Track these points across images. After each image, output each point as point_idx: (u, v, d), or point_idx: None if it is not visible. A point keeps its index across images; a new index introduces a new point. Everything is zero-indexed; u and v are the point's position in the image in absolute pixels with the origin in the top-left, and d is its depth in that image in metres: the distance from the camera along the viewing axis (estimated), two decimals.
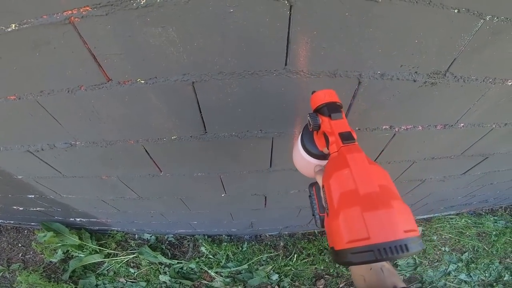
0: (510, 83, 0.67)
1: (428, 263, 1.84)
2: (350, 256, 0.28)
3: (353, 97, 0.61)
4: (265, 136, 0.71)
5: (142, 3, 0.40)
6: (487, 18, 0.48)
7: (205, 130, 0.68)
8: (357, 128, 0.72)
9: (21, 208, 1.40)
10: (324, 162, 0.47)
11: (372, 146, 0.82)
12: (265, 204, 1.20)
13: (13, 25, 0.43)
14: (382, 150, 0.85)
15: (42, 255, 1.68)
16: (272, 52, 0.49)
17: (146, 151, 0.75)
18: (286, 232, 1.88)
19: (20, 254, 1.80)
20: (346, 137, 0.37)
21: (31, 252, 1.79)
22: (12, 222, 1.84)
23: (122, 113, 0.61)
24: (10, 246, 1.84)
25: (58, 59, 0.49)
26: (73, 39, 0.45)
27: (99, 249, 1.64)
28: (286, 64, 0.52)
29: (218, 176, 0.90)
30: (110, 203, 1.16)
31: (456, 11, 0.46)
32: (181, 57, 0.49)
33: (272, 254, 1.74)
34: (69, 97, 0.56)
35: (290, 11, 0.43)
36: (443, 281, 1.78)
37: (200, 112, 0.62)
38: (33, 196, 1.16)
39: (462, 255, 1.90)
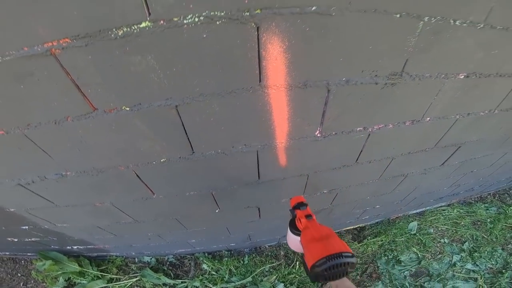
0: (462, 77, 0.71)
1: (431, 256, 1.82)
2: (316, 267, 0.49)
3: (325, 104, 0.64)
4: (249, 150, 0.72)
5: (120, 33, 0.42)
6: (426, 19, 0.52)
7: (193, 150, 0.69)
8: (333, 133, 0.75)
9: (16, 240, 1.34)
10: None
11: (351, 148, 0.85)
12: (260, 215, 1.19)
13: None
14: (361, 151, 0.87)
15: (44, 284, 1.59)
16: (247, 70, 0.52)
17: (137, 175, 0.75)
18: (285, 241, 1.84)
19: (21, 284, 1.71)
20: (307, 216, 0.66)
21: (31, 281, 1.70)
22: (8, 253, 1.75)
23: (110, 140, 0.62)
24: (9, 276, 1.75)
25: (42, 90, 0.49)
26: (55, 70, 0.46)
27: (101, 274, 1.57)
28: (260, 81, 0.54)
29: (210, 193, 0.89)
30: (106, 229, 1.13)
31: (398, 16, 0.50)
32: (162, 82, 0.50)
33: (274, 264, 1.69)
34: (56, 128, 0.56)
35: (258, 31, 0.46)
36: (450, 272, 1.75)
37: (186, 134, 0.63)
38: (27, 227, 1.12)
39: (462, 245, 1.89)
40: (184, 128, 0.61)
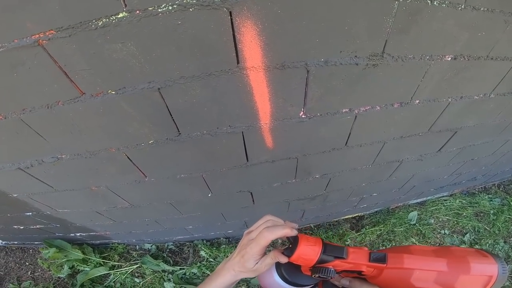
0: (449, 59, 0.72)
1: None
2: None
3: (306, 85, 0.67)
4: (234, 131, 0.76)
5: (100, 24, 0.46)
6: (401, 0, 0.54)
7: (179, 131, 0.74)
8: (318, 114, 0.78)
9: (21, 227, 1.44)
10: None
11: (339, 131, 0.88)
12: (253, 201, 1.25)
13: None
14: (350, 134, 0.90)
15: (50, 272, 1.72)
16: (223, 53, 0.55)
17: (128, 157, 0.81)
18: None
19: (29, 272, 1.84)
20: (380, 259, 0.39)
21: (39, 270, 1.83)
22: (16, 242, 1.88)
23: (100, 123, 0.67)
24: (17, 265, 1.88)
25: (34, 78, 0.54)
26: (44, 59, 0.51)
27: (103, 261, 1.68)
28: (238, 63, 0.58)
29: (200, 176, 0.95)
30: (104, 214, 1.21)
31: None
32: (144, 67, 0.54)
33: (270, 249, 1.75)
34: (49, 112, 0.62)
35: (231, 16, 0.49)
36: None
37: (171, 115, 0.68)
38: (30, 213, 1.21)
39: (463, 236, 1.89)
40: (168, 109, 0.66)
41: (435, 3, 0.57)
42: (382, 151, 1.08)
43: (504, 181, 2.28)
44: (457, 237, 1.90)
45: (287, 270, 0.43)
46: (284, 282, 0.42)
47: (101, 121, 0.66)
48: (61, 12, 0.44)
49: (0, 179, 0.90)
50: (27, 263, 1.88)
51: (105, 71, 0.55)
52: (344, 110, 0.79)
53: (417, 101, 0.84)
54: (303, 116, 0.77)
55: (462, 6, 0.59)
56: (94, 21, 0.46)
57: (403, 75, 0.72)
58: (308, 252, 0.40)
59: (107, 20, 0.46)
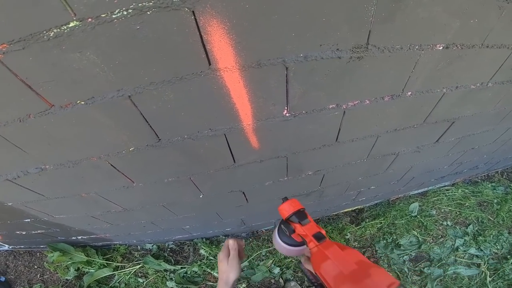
0: (440, 48, 0.67)
1: (432, 239, 1.77)
2: None
3: (286, 82, 0.63)
4: (216, 134, 0.73)
5: (51, 34, 0.43)
6: None
7: (158, 137, 0.71)
8: (304, 112, 0.74)
9: (24, 233, 1.47)
10: (303, 247, 0.58)
11: (327, 127, 0.84)
12: (247, 200, 1.23)
13: None
14: (339, 130, 0.87)
15: (58, 274, 1.76)
16: (192, 55, 0.52)
17: (111, 165, 0.79)
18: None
19: (38, 275, 1.89)
20: (319, 238, 0.50)
21: (47, 273, 1.89)
22: (23, 246, 1.92)
23: (75, 133, 0.65)
24: (27, 268, 1.94)
25: (0, 92, 0.52)
26: (5, 73, 0.48)
27: (106, 263, 1.71)
28: (210, 64, 0.54)
29: (188, 178, 0.93)
30: (100, 218, 1.22)
31: None
32: (109, 75, 0.52)
33: (270, 248, 1.76)
34: (22, 125, 0.60)
35: (194, 15, 0.45)
36: (452, 257, 1.71)
37: (147, 122, 0.65)
38: (29, 220, 1.22)
39: (466, 228, 1.83)
40: (143, 116, 0.63)
41: None
42: (376, 145, 1.05)
43: (507, 168, 2.20)
44: (460, 229, 1.84)
45: (284, 237, 0.58)
46: (283, 243, 0.58)
47: (76, 131, 0.65)
48: (10, 25, 0.42)
49: None
50: (36, 266, 1.93)
51: (69, 82, 0.52)
52: (331, 106, 0.75)
53: (409, 93, 0.80)
54: (287, 114, 0.74)
55: None
56: (45, 32, 0.43)
57: (391, 66, 0.68)
58: (286, 208, 0.59)
59: (59, 30, 0.43)
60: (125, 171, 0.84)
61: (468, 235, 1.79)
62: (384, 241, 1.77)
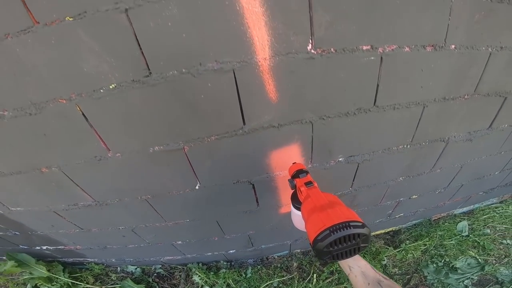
0: None
1: (496, 260, 1.46)
2: (319, 241, 0.40)
3: (309, 6, 0.50)
4: (222, 67, 0.56)
5: None
6: None
7: (149, 69, 0.54)
8: (332, 50, 0.58)
9: None
10: None
11: (363, 79, 0.66)
12: (257, 201, 0.94)
13: None
14: (378, 86, 0.67)
15: None
16: None
17: (82, 113, 0.61)
18: (298, 249, 1.51)
19: None
20: (307, 183, 0.59)
21: None
22: None
23: (50, 60, 0.51)
24: None
25: None
26: None
27: (72, 282, 1.32)
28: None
29: (181, 149, 0.71)
30: (65, 216, 0.94)
31: None
32: None
33: (284, 278, 1.35)
34: None
35: None
36: None
37: (139, 46, 0.50)
38: None
39: None
40: (136, 37, 0.49)
41: None
42: (423, 120, 0.83)
43: None
44: None
45: (296, 204, 0.64)
46: (297, 210, 0.63)
47: (52, 56, 0.51)
48: None
49: None
50: None
51: None
52: (365, 48, 0.60)
53: (453, 46, 0.67)
54: (312, 50, 0.58)
55: None
56: None
57: (425, 5, 0.57)
58: (292, 168, 0.70)
59: None
60: (99, 126, 0.63)
61: None
62: (434, 265, 1.43)
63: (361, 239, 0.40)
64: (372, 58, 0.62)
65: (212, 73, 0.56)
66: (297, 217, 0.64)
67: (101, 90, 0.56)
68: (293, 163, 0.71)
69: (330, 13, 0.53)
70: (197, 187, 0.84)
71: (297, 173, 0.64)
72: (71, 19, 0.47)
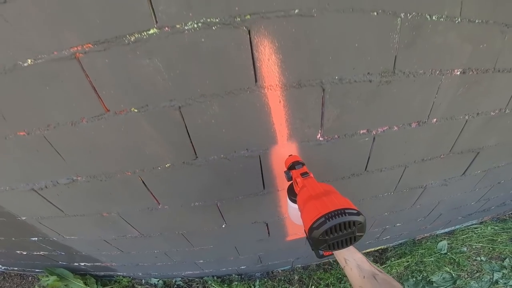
0: (458, 73, 0.69)
1: (467, 275, 1.63)
2: (314, 229, 0.38)
3: (322, 104, 0.65)
4: (251, 154, 0.72)
5: (132, 39, 0.48)
6: (402, 16, 0.54)
7: (196, 155, 0.70)
8: (336, 136, 0.74)
9: (24, 253, 1.36)
10: None
11: (358, 154, 0.82)
12: (269, 233, 1.13)
13: (29, 60, 0.50)
14: (369, 157, 0.84)
15: None
16: (242, 71, 0.55)
17: (143, 182, 0.77)
18: (299, 265, 1.71)
19: None
20: (304, 174, 0.57)
21: None
22: (16, 268, 1.77)
23: (119, 143, 0.65)
24: None
25: (64, 92, 0.54)
26: (77, 73, 0.51)
27: None
28: (256, 81, 0.57)
29: (215, 204, 0.88)
30: (112, 243, 1.12)
31: (375, 13, 0.52)
32: (167, 84, 0.54)
33: None
34: (72, 130, 0.61)
35: (249, 34, 0.50)
36: None
37: (189, 136, 0.65)
38: (36, 238, 1.14)
39: (503, 262, 1.67)
40: (187, 130, 0.64)
41: (433, 18, 0.57)
42: (404, 176, 0.99)
43: None
44: (496, 263, 1.67)
45: (292, 197, 0.63)
46: (293, 203, 0.62)
47: (121, 140, 0.64)
48: (100, 26, 0.46)
49: (11, 200, 0.87)
50: None
51: (131, 88, 0.55)
52: (361, 131, 0.75)
53: (434, 119, 0.80)
54: (320, 138, 0.73)
55: (459, 19, 0.59)
56: (127, 36, 0.47)
57: (416, 91, 0.70)
58: (288, 160, 0.67)
59: (139, 35, 0.47)
60: (154, 190, 0.80)
61: (506, 268, 1.62)
62: (414, 279, 1.59)
63: (356, 227, 0.39)
64: (367, 139, 0.77)
65: (243, 158, 0.72)
66: (293, 210, 0.63)
67: (159, 168, 0.72)
68: (289, 155, 0.70)
69: (338, 109, 0.66)
70: (223, 226, 1.01)
71: (293, 165, 0.62)
72: (136, 110, 0.58)
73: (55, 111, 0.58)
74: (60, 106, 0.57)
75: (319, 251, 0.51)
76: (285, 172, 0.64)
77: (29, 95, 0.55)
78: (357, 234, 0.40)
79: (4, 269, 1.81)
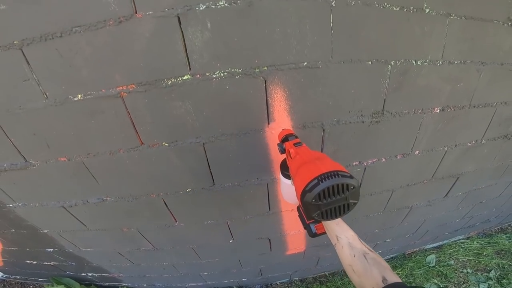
0: (438, 110, 0.80)
1: (454, 286, 1.68)
2: (307, 192, 0.37)
3: (322, 142, 0.75)
4: (261, 183, 0.81)
5: (169, 83, 0.56)
6: (392, 63, 0.64)
7: (213, 182, 0.79)
8: None
9: (34, 262, 1.38)
10: None
11: None
12: (271, 247, 1.21)
13: (79, 95, 0.55)
14: (361, 184, 0.94)
15: None
16: (258, 114, 0.64)
17: (165, 203, 0.85)
18: (297, 278, 1.77)
19: None
20: (296, 144, 0.55)
21: None
22: (19, 277, 1.76)
23: (149, 171, 0.73)
24: None
25: (107, 126, 0.61)
26: (120, 109, 0.58)
27: None
28: (268, 123, 0.67)
29: (225, 222, 0.97)
30: (125, 256, 1.18)
31: (369, 63, 0.62)
32: (195, 124, 0.63)
33: None
34: (109, 159, 0.69)
35: (265, 84, 0.59)
36: None
37: (209, 167, 0.74)
38: (52, 249, 1.18)
39: (488, 273, 1.73)
40: (208, 162, 0.72)
41: (419, 63, 0.67)
42: (392, 199, 1.09)
43: None
44: (482, 275, 1.73)
45: (285, 172, 0.60)
46: (286, 179, 0.60)
47: (151, 169, 0.73)
48: (144, 69, 0.53)
49: (38, 215, 0.92)
50: None
51: (164, 125, 0.63)
52: (354, 163, 0.85)
53: (417, 151, 0.90)
54: None
55: (440, 62, 0.69)
56: (165, 80, 0.55)
57: (401, 128, 0.80)
58: (282, 132, 0.63)
59: (175, 80, 0.55)
60: (174, 210, 0.89)
61: (492, 280, 1.67)
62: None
63: (350, 192, 0.37)
64: (359, 169, 0.87)
65: (253, 185, 0.81)
66: (286, 187, 0.62)
67: (181, 192, 0.80)
68: (282, 129, 0.68)
69: (335, 145, 0.76)
70: (230, 241, 1.09)
71: (286, 137, 0.60)
72: (166, 144, 0.66)
73: (96, 141, 0.65)
74: (101, 137, 0.64)
75: (312, 227, 0.51)
76: (278, 144, 0.61)
77: (75, 126, 0.61)
78: (351, 201, 0.38)
79: (6, 277, 1.79)
